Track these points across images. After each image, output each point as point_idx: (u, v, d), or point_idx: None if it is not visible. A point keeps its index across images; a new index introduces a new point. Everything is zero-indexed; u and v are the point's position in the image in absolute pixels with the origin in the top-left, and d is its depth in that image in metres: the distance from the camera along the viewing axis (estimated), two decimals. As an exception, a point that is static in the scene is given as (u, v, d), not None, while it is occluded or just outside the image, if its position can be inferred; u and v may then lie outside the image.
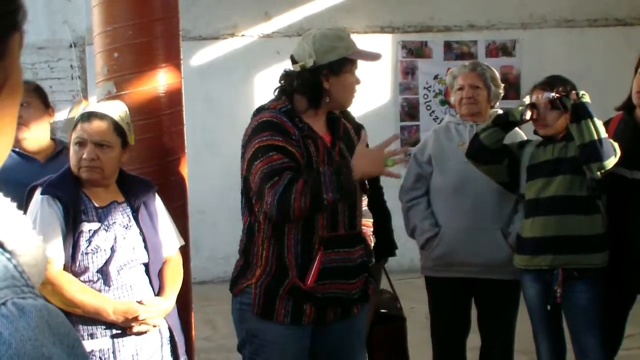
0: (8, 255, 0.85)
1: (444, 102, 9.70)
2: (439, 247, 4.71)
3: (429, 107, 9.86)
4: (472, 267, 4.65)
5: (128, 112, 3.64)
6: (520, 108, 4.35)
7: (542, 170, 4.39)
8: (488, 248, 4.60)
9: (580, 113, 4.18)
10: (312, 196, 3.38)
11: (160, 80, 4.14)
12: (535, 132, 4.53)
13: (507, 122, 4.39)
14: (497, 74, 4.92)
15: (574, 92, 4.26)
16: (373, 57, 3.77)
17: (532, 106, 4.36)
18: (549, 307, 4.34)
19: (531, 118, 4.35)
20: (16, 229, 0.91)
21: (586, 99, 4.21)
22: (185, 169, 4.32)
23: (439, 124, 9.54)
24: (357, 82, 3.71)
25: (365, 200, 3.97)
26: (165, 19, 4.20)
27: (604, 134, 4.16)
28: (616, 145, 4.19)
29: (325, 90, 3.64)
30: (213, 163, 9.01)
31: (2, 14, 0.95)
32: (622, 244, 4.31)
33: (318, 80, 3.63)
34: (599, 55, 9.80)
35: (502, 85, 4.89)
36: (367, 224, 3.98)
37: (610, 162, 4.15)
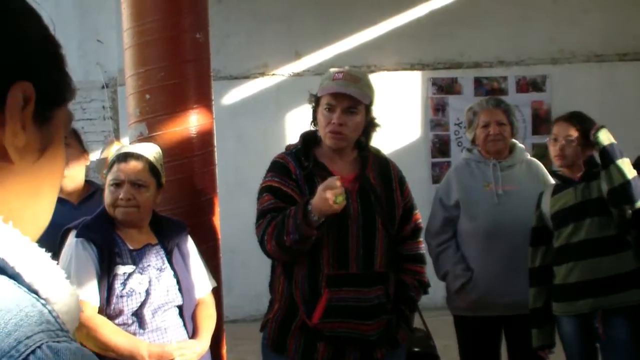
0: (43, 302, 0.89)
1: (475, 138, 9.68)
2: (474, 292, 4.65)
3: (460, 144, 9.83)
4: (505, 305, 4.60)
5: (161, 153, 3.67)
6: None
7: (569, 216, 4.33)
8: (521, 287, 4.53)
9: (607, 159, 4.15)
10: (276, 238, 3.49)
11: (191, 121, 4.16)
12: (553, 174, 4.52)
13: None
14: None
15: (592, 132, 4.23)
16: (331, 90, 3.69)
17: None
18: (597, 345, 4.30)
19: None
20: (49, 276, 0.94)
21: (602, 138, 4.17)
22: (217, 210, 4.32)
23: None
24: (327, 120, 3.68)
25: (422, 244, 3.96)
26: (196, 61, 4.22)
27: (631, 174, 4.13)
28: None
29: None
30: (244, 201, 8.94)
31: (55, 81, 1.03)
32: None
33: (314, 113, 3.81)
34: (630, 89, 9.75)
35: (519, 120, 4.90)
36: (418, 269, 3.91)
37: None
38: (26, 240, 0.95)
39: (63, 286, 0.95)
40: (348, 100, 3.65)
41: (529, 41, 9.76)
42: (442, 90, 9.84)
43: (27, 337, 0.82)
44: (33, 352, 0.82)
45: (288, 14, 9.63)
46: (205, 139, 4.24)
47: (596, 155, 4.31)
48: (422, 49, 9.77)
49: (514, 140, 4.85)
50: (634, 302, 4.23)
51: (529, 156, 4.86)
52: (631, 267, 4.25)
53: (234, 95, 9.60)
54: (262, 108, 9.54)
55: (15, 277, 0.90)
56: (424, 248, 3.98)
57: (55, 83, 1.04)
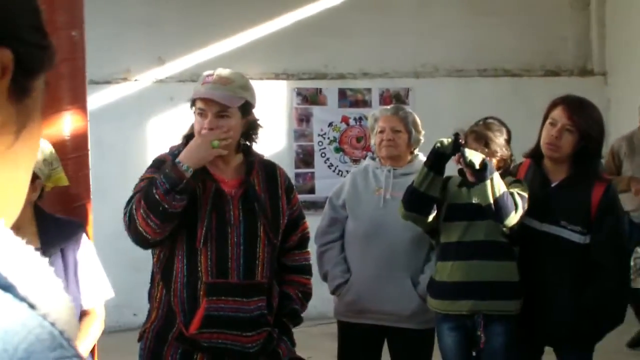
0: (51, 322, 0.74)
1: (339, 149, 9.73)
2: (349, 294, 4.67)
3: (323, 154, 9.85)
4: (383, 315, 4.61)
5: (53, 151, 3.46)
6: (447, 140, 4.16)
7: (463, 213, 4.32)
8: (398, 297, 4.56)
9: (479, 177, 4.11)
10: (145, 199, 3.31)
11: (65, 123, 3.99)
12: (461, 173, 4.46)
13: (435, 156, 4.22)
14: (419, 120, 4.87)
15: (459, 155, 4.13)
16: (199, 95, 3.54)
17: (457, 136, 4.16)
18: (474, 354, 4.31)
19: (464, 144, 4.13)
20: (46, 286, 0.79)
21: (470, 156, 4.08)
22: (90, 216, 4.15)
23: (333, 171, 9.60)
24: (200, 125, 3.52)
25: (309, 254, 3.88)
26: (71, 60, 4.05)
27: (495, 193, 4.07)
28: (519, 199, 4.13)
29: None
30: (103, 210, 8.72)
31: (36, 45, 0.87)
32: (532, 296, 4.29)
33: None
34: (488, 104, 9.97)
35: (422, 132, 4.85)
36: (304, 280, 3.83)
37: (511, 220, 4.12)
38: (17, 242, 0.80)
39: (61, 298, 0.81)
40: (217, 105, 3.50)
41: (393, 54, 9.88)
42: (306, 101, 9.83)
43: None
44: None
45: (151, 18, 9.42)
46: (78, 142, 4.08)
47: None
48: (287, 59, 9.73)
49: (417, 152, 4.84)
50: (511, 311, 4.27)
51: None
52: (514, 278, 4.27)
53: (94, 101, 9.28)
54: (124, 114, 9.28)
55: (8, 288, 0.74)
56: (310, 259, 3.91)
57: (36, 46, 0.87)
